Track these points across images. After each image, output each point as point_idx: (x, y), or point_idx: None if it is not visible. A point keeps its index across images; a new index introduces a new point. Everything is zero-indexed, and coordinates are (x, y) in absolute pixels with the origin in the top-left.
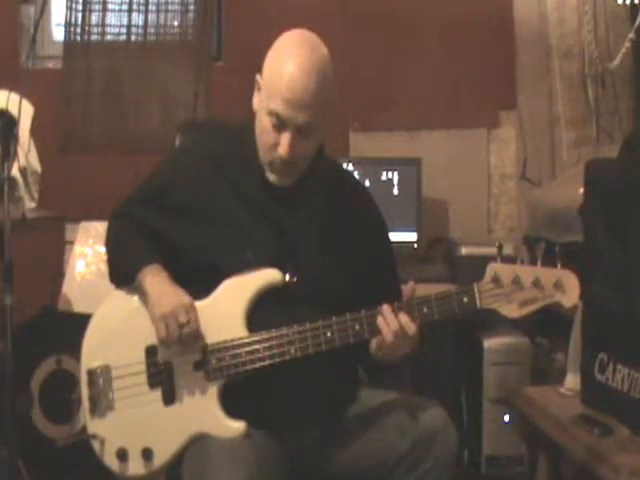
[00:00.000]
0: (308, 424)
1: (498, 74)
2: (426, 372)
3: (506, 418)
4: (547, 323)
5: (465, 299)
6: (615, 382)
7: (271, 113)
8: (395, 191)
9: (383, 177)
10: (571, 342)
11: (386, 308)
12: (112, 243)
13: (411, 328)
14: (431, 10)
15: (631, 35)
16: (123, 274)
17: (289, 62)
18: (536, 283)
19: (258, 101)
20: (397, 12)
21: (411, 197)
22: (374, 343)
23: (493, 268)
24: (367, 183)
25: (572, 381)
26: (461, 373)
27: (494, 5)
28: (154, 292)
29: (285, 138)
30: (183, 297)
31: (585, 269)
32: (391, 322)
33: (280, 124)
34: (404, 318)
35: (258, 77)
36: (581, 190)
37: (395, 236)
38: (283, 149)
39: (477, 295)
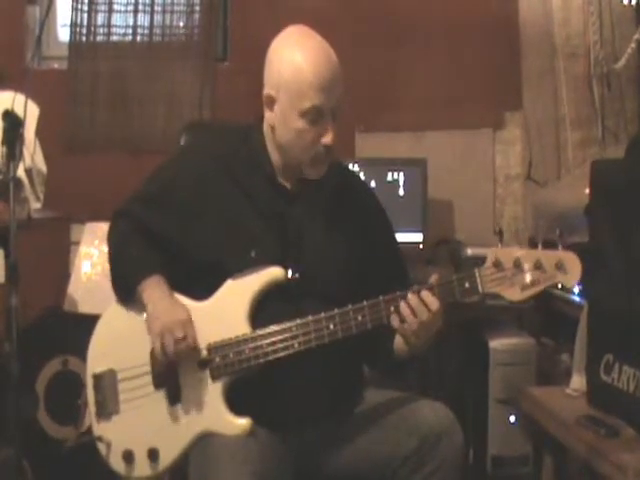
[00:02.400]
0: (311, 424)
1: (503, 75)
2: (432, 372)
3: (512, 418)
4: (553, 324)
5: (467, 284)
6: (621, 383)
7: (306, 112)
8: (401, 192)
9: (389, 178)
10: (577, 343)
11: (409, 293)
12: (113, 251)
13: (434, 303)
14: (436, 11)
15: (637, 36)
16: (125, 288)
17: (302, 55)
18: (537, 265)
19: (277, 114)
20: (402, 13)
21: (416, 198)
22: (399, 338)
23: (494, 252)
24: (373, 184)
25: (578, 382)
26: (467, 373)
27: (499, 6)
28: (152, 307)
29: (327, 125)
30: (180, 312)
31: (590, 270)
32: (412, 300)
33: (318, 116)
34: (426, 296)
35: (268, 92)
36: (586, 191)
37: (400, 237)
38: (329, 137)
39: (479, 280)
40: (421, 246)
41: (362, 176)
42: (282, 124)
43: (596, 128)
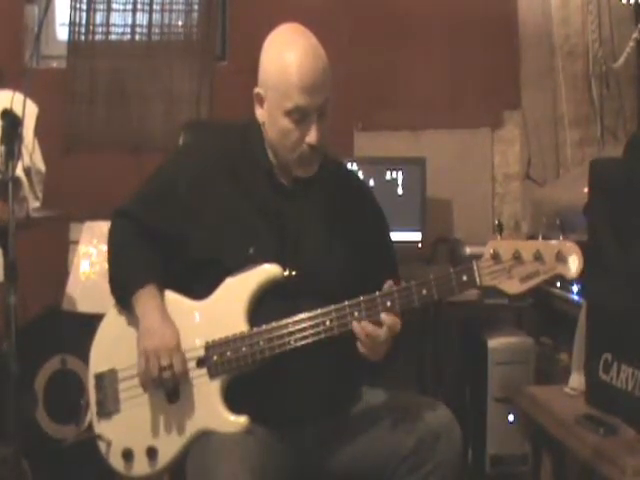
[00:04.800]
0: (309, 422)
1: (502, 74)
2: (430, 371)
3: (510, 417)
4: (551, 323)
5: (464, 277)
6: (619, 382)
7: (291, 111)
8: (399, 191)
9: (387, 177)
10: (575, 342)
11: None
12: (112, 255)
13: (379, 334)
14: (435, 10)
15: (635, 35)
16: (120, 295)
17: (289, 55)
18: (537, 256)
19: (266, 111)
20: (401, 12)
21: (415, 197)
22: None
23: (492, 244)
24: (371, 183)
25: (576, 381)
26: (465, 372)
27: (498, 5)
28: (142, 322)
29: (312, 126)
30: (168, 336)
31: (589, 269)
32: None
33: (303, 116)
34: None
35: (258, 90)
36: (585, 190)
37: (399, 236)
38: (313, 137)
39: (476, 273)
40: (420, 245)
41: (361, 175)
42: (269, 122)
43: (595, 127)
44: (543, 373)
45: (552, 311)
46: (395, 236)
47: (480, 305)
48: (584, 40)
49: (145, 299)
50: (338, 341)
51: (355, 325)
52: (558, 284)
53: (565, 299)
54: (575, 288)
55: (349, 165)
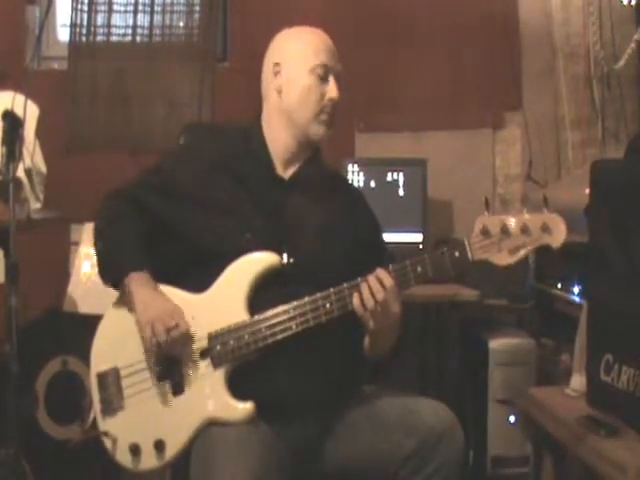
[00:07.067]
0: (309, 414)
1: (503, 75)
2: (432, 372)
3: (511, 419)
4: (552, 324)
5: (457, 253)
6: (621, 383)
7: (316, 68)
8: (401, 192)
9: (389, 178)
10: (576, 343)
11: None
12: (103, 231)
13: (388, 280)
14: (436, 11)
15: (636, 36)
16: (111, 276)
17: (305, 32)
18: (524, 229)
19: (284, 77)
20: (402, 13)
21: (417, 198)
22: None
23: (481, 220)
24: (372, 184)
25: (577, 382)
26: (466, 374)
27: (499, 6)
28: (136, 298)
29: (332, 82)
30: (167, 303)
31: (590, 270)
32: (370, 280)
33: (325, 73)
34: (381, 273)
35: (275, 60)
36: (587, 191)
37: (400, 237)
38: (334, 91)
39: (468, 248)
40: (421, 246)
41: (362, 176)
42: (289, 85)
43: (596, 128)
44: (544, 374)
45: (553, 312)
46: (396, 237)
47: (481, 306)
48: (585, 41)
49: (137, 279)
50: (341, 335)
51: (363, 286)
52: (559, 285)
53: (566, 300)
54: (576, 289)
55: (350, 166)
